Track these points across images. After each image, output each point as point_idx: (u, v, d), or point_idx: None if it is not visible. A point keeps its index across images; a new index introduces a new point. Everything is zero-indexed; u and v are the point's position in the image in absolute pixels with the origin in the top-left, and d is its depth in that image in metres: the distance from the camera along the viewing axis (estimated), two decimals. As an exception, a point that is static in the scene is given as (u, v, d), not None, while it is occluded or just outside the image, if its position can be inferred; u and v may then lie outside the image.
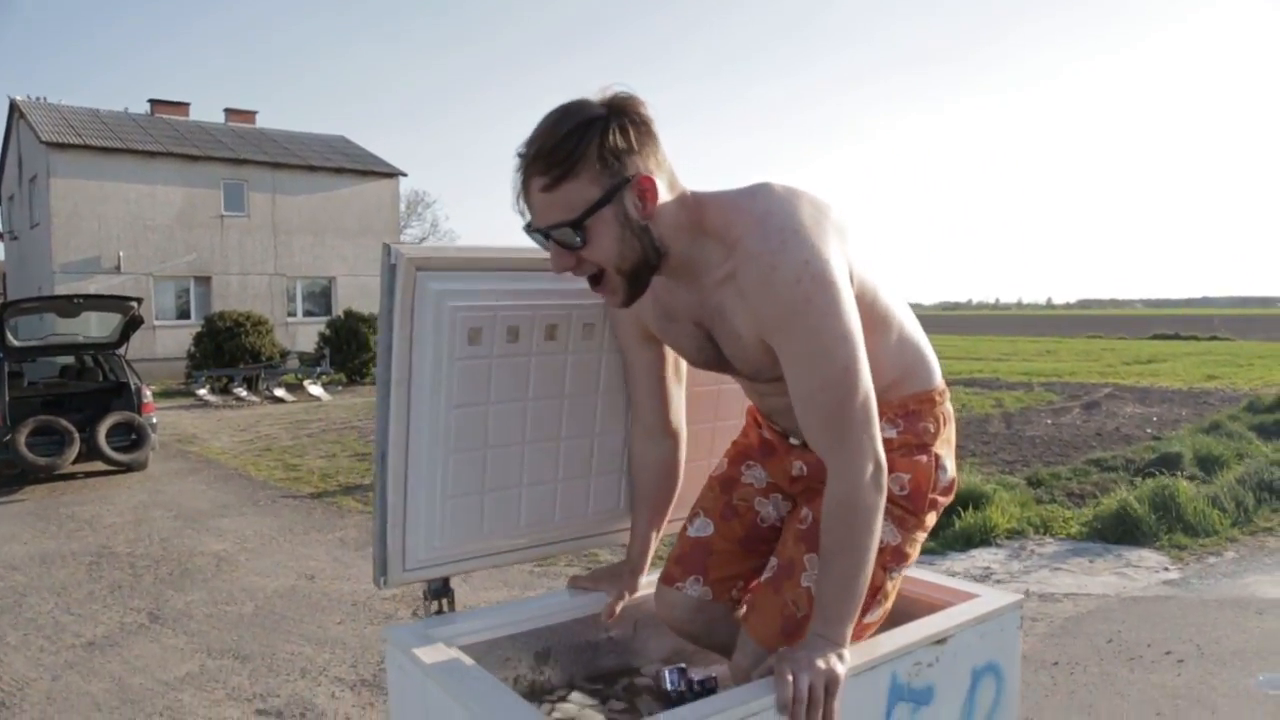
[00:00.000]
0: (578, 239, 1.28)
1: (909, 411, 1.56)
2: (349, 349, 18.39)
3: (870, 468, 1.37)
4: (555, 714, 1.71)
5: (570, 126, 1.25)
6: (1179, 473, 6.68)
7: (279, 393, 15.60)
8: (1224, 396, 12.58)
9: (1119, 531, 5.57)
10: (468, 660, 1.52)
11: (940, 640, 1.56)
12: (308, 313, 24.18)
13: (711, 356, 1.52)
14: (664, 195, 1.32)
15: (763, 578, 1.62)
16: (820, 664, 1.32)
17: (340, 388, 17.48)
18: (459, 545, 1.69)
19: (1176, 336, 31.09)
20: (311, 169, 24.08)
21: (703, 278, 1.40)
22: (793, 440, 1.66)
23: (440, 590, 1.75)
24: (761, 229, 1.32)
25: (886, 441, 1.44)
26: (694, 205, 1.37)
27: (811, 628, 1.41)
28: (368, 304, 21.09)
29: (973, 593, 1.75)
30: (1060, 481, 7.10)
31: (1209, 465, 7.23)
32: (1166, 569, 4.94)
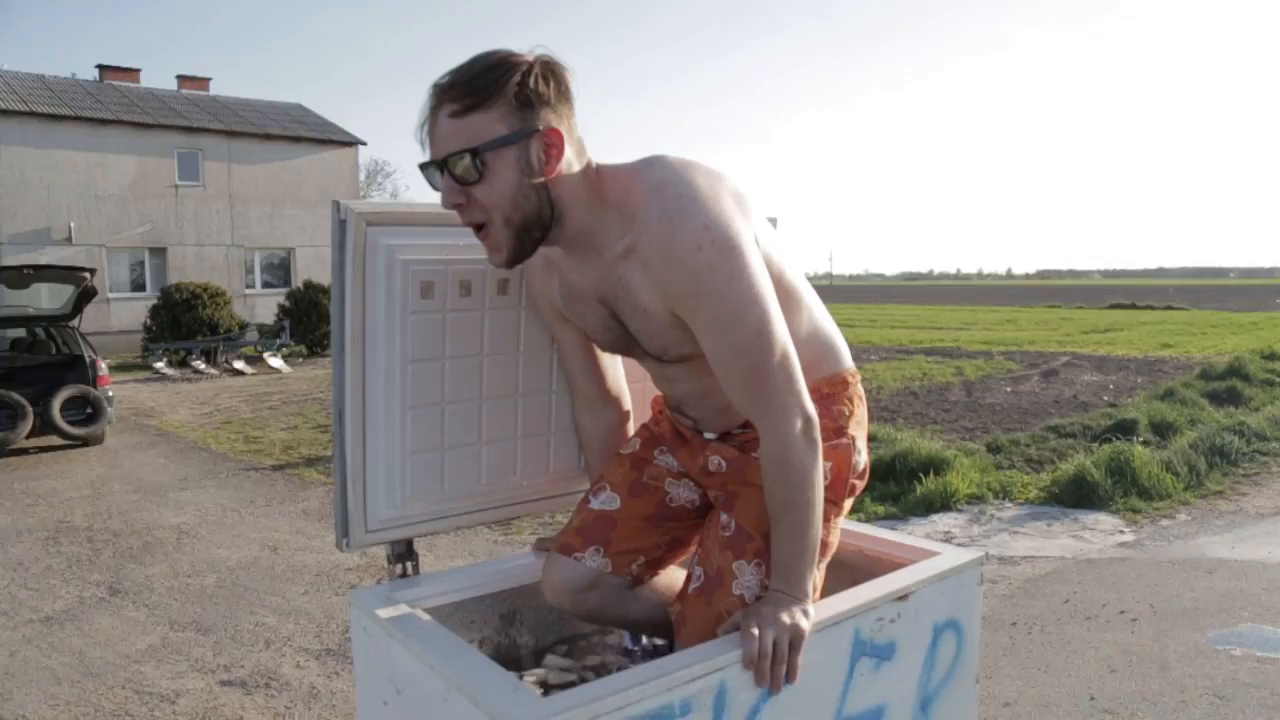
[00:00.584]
0: (474, 172, 1.24)
1: (823, 395, 1.54)
2: (309, 320, 18.14)
3: (799, 423, 1.37)
4: (528, 678, 1.70)
5: (492, 62, 1.24)
6: (1134, 438, 6.83)
7: (238, 365, 15.36)
8: (1178, 364, 12.85)
9: (1076, 496, 5.69)
10: (433, 622, 1.50)
11: (902, 596, 1.57)
12: (266, 284, 23.78)
13: (618, 337, 1.49)
14: (569, 161, 1.31)
15: (689, 588, 1.57)
16: (785, 619, 1.34)
17: (301, 360, 17.27)
18: (421, 505, 1.66)
19: (1133, 306, 31.71)
20: (268, 137, 23.56)
21: (604, 252, 1.38)
22: (707, 435, 1.62)
23: (404, 553, 1.73)
24: (659, 198, 1.31)
25: None
26: (594, 177, 1.35)
27: (772, 585, 1.42)
28: (328, 275, 20.69)
29: (934, 551, 1.76)
30: (1019, 448, 7.22)
31: (1163, 431, 7.40)
32: (1122, 532, 5.05)
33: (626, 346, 1.52)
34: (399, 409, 1.56)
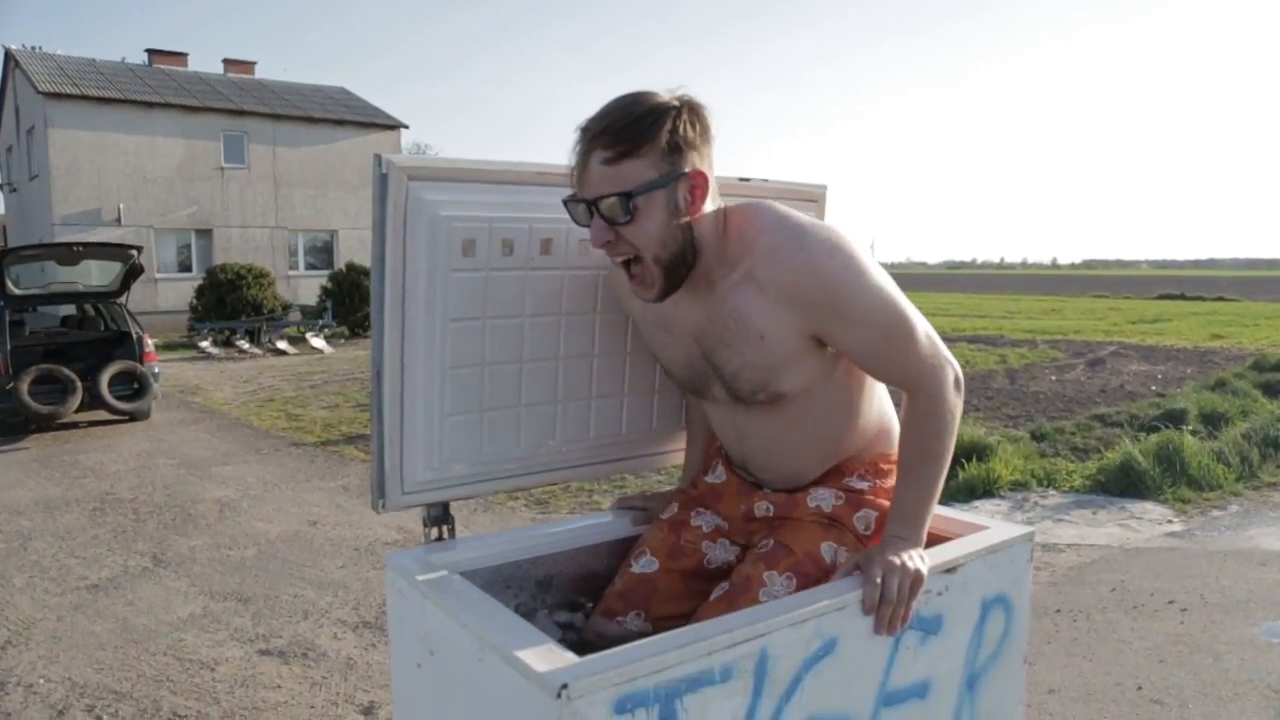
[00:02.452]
0: (625, 214, 1.31)
1: (879, 470, 1.62)
2: (351, 302, 18.32)
3: (950, 375, 1.45)
4: (557, 617, 1.67)
5: (644, 110, 1.31)
6: (1184, 428, 6.64)
7: (281, 345, 15.57)
8: (1229, 355, 12.50)
9: (1123, 484, 5.55)
10: (467, 584, 1.48)
11: (951, 569, 1.51)
12: (309, 266, 24.07)
13: (697, 375, 1.54)
14: (710, 199, 1.38)
15: (713, 596, 1.57)
16: (907, 562, 1.38)
17: (342, 341, 17.46)
18: (459, 467, 1.64)
19: (1182, 297, 30.88)
20: (312, 121, 23.81)
21: (717, 284, 1.43)
22: (761, 481, 1.65)
23: (440, 516, 1.71)
24: (781, 224, 1.40)
25: (858, 492, 1.58)
26: (722, 214, 1.42)
27: (889, 530, 1.45)
28: (369, 257, 20.97)
29: (983, 525, 1.71)
30: (1064, 436, 7.07)
31: (1214, 421, 7.19)
32: (1170, 521, 4.92)
33: (702, 387, 1.56)
34: (438, 369, 1.54)
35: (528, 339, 1.62)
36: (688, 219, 1.36)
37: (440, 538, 1.72)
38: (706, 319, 1.47)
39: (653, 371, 1.83)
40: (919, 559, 1.41)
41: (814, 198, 1.88)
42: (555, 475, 1.79)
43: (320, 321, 17.17)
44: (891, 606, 1.36)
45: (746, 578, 1.54)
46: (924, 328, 1.43)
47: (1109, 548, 4.50)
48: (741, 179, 1.72)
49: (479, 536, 1.75)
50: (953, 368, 1.46)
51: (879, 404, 1.63)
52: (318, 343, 15.68)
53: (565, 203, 1.39)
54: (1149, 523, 4.89)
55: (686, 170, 1.34)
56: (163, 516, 5.47)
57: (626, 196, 1.31)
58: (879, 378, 1.51)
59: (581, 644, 1.55)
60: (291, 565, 4.52)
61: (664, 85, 1.36)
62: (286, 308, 18.82)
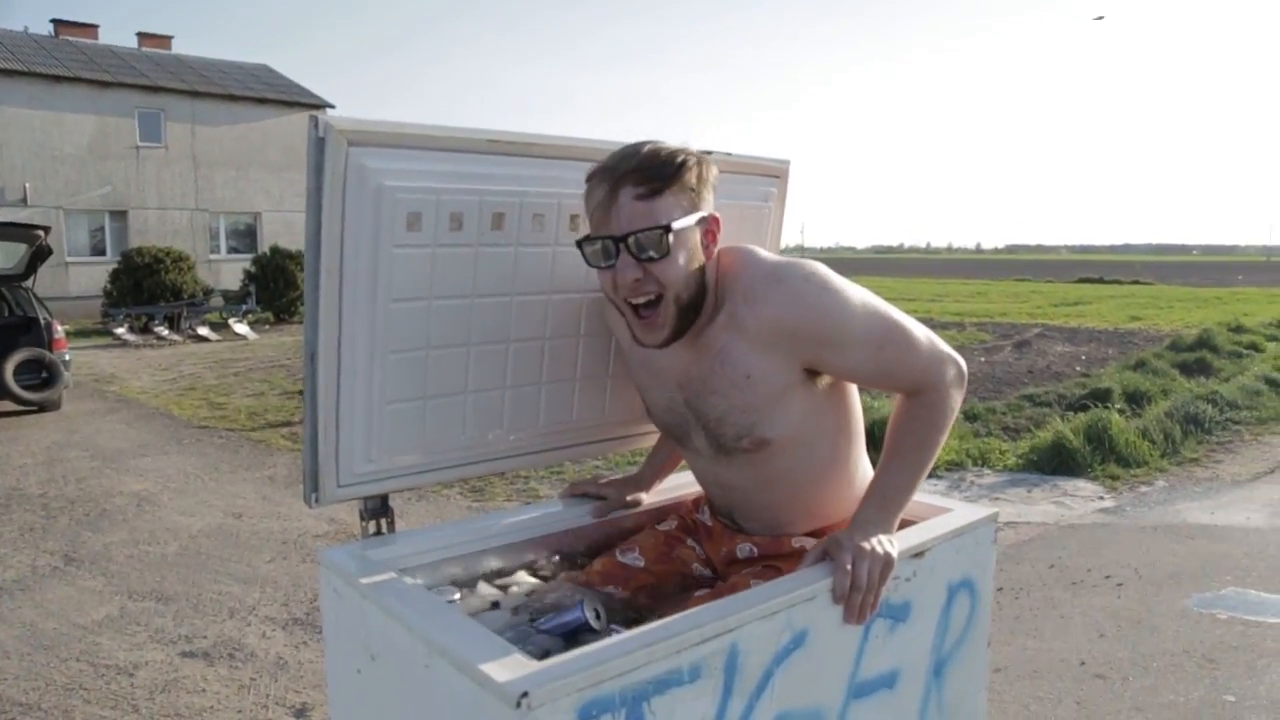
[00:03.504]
0: (664, 248, 1.30)
1: None
2: (275, 286, 17.78)
3: (952, 370, 1.45)
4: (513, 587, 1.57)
5: (669, 152, 1.33)
6: (1110, 407, 6.83)
7: (203, 331, 15.02)
8: (1148, 336, 12.96)
9: (1055, 463, 5.68)
10: (411, 582, 1.38)
11: (918, 554, 1.47)
12: (232, 249, 23.23)
13: (678, 421, 1.53)
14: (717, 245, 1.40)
15: (694, 595, 1.54)
16: (877, 547, 1.34)
17: (267, 326, 16.94)
18: (398, 458, 1.53)
19: (1100, 280, 31.96)
20: (233, 99, 22.93)
21: (705, 330, 1.42)
22: (744, 529, 1.62)
23: (378, 509, 1.60)
24: (757, 265, 1.41)
25: None
26: (716, 260, 1.42)
27: (862, 514, 1.41)
28: (294, 240, 20.33)
29: (946, 507, 1.67)
30: (996, 416, 7.21)
31: (1137, 400, 7.42)
32: (1102, 498, 5.04)
33: (682, 434, 1.54)
34: (379, 353, 1.42)
35: (476, 321, 1.51)
36: (704, 261, 1.37)
37: (379, 532, 1.61)
38: (693, 365, 1.45)
39: (607, 356, 1.74)
40: (889, 543, 1.38)
41: (777, 173, 1.81)
42: (503, 464, 1.69)
43: (244, 307, 16.62)
44: (862, 594, 1.31)
45: (733, 584, 1.50)
46: (919, 329, 1.43)
47: (1045, 525, 4.58)
48: (704, 153, 1.64)
49: (420, 529, 1.65)
50: (954, 362, 1.45)
51: (862, 468, 1.62)
52: (241, 329, 15.17)
53: (581, 245, 1.35)
54: (1082, 500, 5.00)
55: (706, 213, 1.36)
56: (75, 512, 5.18)
57: (665, 230, 1.29)
58: (886, 387, 1.49)
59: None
60: (216, 560, 4.32)
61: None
62: (208, 293, 18.17)
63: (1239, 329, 12.08)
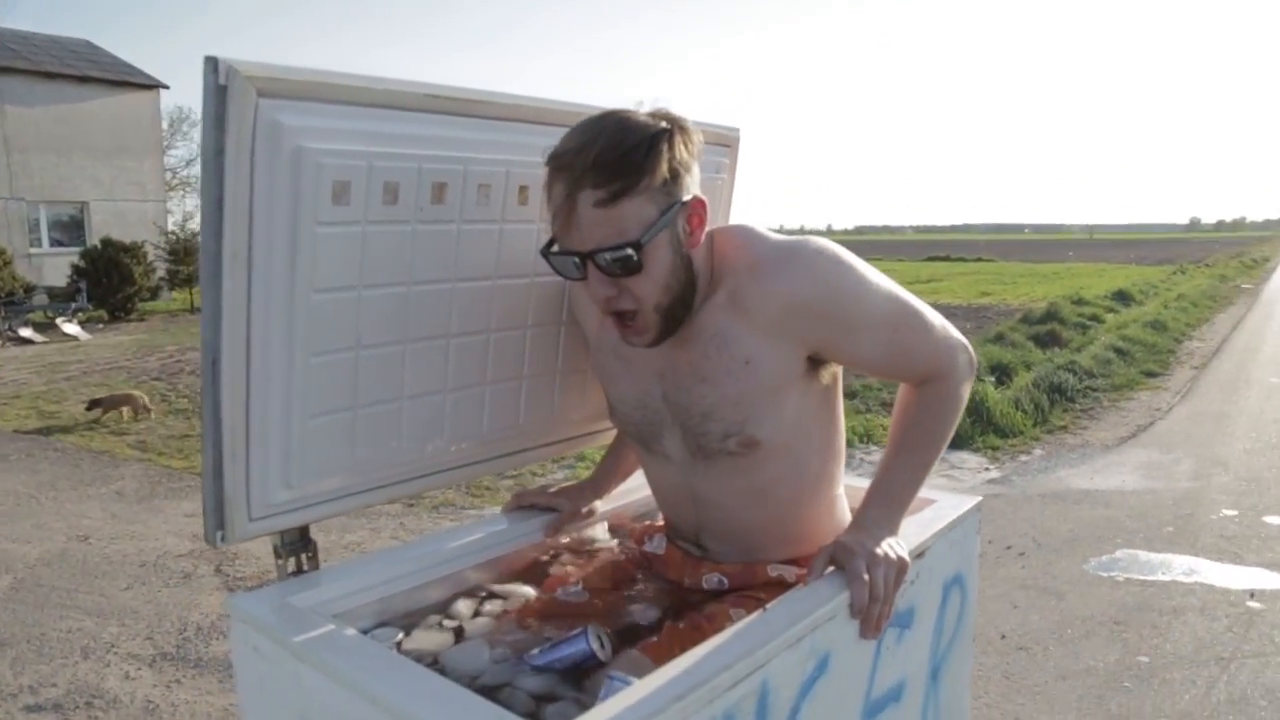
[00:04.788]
0: (634, 265, 1.13)
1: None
2: (109, 283, 16.37)
3: (964, 358, 1.35)
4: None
5: (636, 139, 1.12)
6: (981, 379, 7.09)
7: (25, 333, 13.59)
8: (1000, 311, 13.68)
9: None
10: (355, 633, 1.14)
11: (920, 554, 1.34)
12: (55, 243, 21.16)
13: (649, 418, 1.36)
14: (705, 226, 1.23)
15: (673, 625, 1.34)
16: (890, 553, 1.21)
17: (101, 326, 15.56)
18: (324, 481, 1.28)
19: (948, 259, 33.77)
20: (49, 76, 20.82)
21: (697, 312, 1.26)
22: (712, 556, 1.44)
23: (298, 543, 1.34)
24: (766, 241, 1.27)
25: None
26: (710, 239, 1.26)
27: (867, 515, 1.27)
28: (127, 232, 18.76)
29: (930, 499, 1.55)
30: (873, 392, 7.35)
31: (1001, 372, 7.76)
32: (988, 469, 5.18)
33: (652, 435, 1.37)
34: (300, 356, 1.16)
35: (413, 313, 1.27)
36: (688, 252, 1.20)
37: (299, 570, 1.36)
38: (679, 351, 1.28)
39: (556, 349, 1.54)
40: (899, 546, 1.24)
41: (728, 141, 1.65)
42: (443, 478, 1.46)
43: (74, 305, 15.23)
44: (880, 604, 1.18)
45: (712, 614, 1.31)
46: (933, 314, 1.32)
47: (940, 499, 4.66)
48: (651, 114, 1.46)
49: (348, 563, 1.40)
50: (966, 350, 1.36)
51: (842, 492, 1.49)
52: (71, 329, 13.85)
53: (545, 255, 1.19)
54: (970, 471, 5.12)
55: (686, 199, 1.17)
56: (-121, 548, 4.49)
57: (636, 246, 1.12)
58: (896, 376, 1.37)
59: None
60: (60, 593, 3.82)
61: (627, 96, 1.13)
62: (30, 290, 16.51)
63: (1080, 301, 12.92)
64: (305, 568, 1.36)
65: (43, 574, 4.04)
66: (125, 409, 7.46)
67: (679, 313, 1.22)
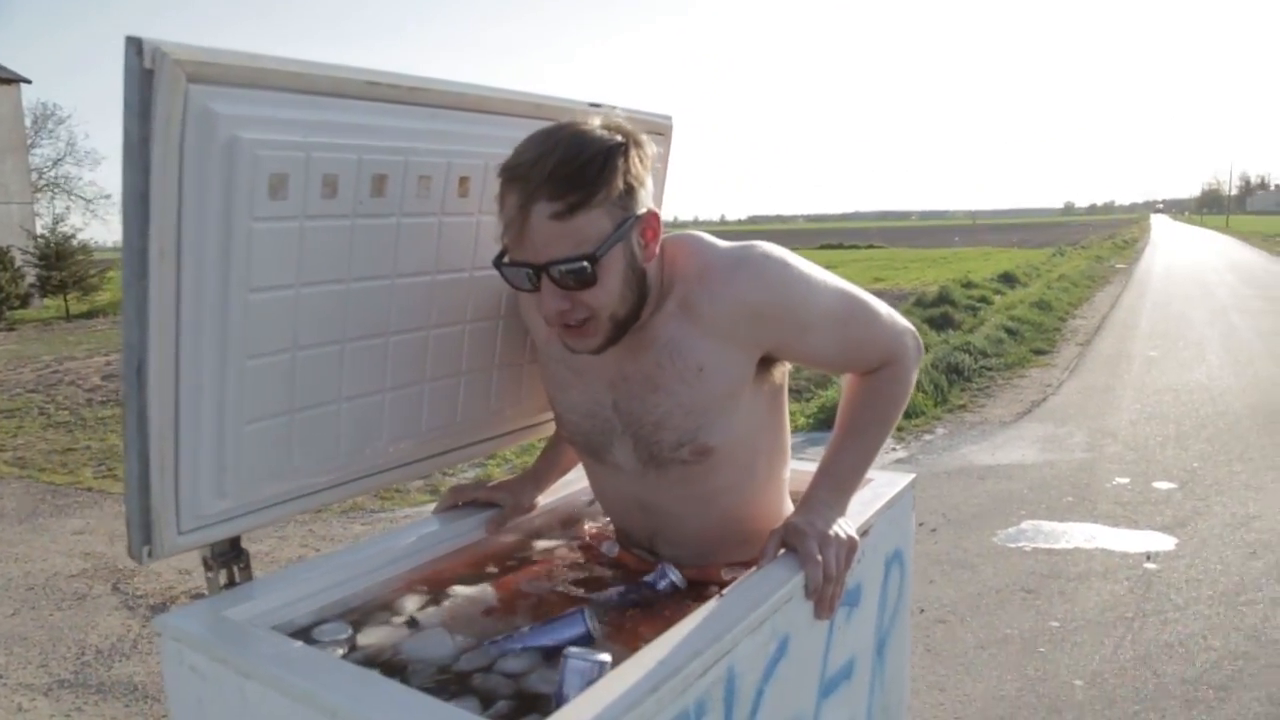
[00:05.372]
0: (590, 279, 1.12)
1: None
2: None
3: (911, 343, 1.38)
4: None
5: (591, 151, 1.11)
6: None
7: (-121, 347, 12.59)
8: (894, 295, 14.12)
9: (844, 418, 5.97)
10: (300, 644, 1.09)
11: (864, 532, 1.37)
12: (-89, 248, 19.69)
13: (599, 428, 1.36)
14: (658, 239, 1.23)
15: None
16: (840, 533, 1.23)
17: (-30, 336, 14.53)
18: (260, 488, 1.22)
19: (841, 246, 34.71)
20: (-106, 69, 19.35)
21: (647, 323, 1.26)
22: (668, 560, 1.43)
23: (230, 554, 1.27)
24: (713, 249, 1.28)
25: None
26: (660, 251, 1.25)
27: (815, 496, 1.28)
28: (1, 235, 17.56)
29: (866, 477, 1.58)
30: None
31: (902, 354, 8.02)
32: (894, 449, 5.35)
33: (601, 445, 1.36)
34: (234, 359, 1.10)
35: (352, 312, 1.22)
36: (642, 266, 1.19)
37: (231, 582, 1.29)
38: (629, 360, 1.29)
39: (493, 344, 1.50)
40: (848, 525, 1.27)
41: (661, 130, 1.64)
42: (381, 479, 1.41)
43: (-68, 315, 14.13)
44: (833, 584, 1.20)
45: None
46: (878, 303, 1.35)
47: (853, 480, 4.79)
48: (592, 104, 1.44)
49: (279, 574, 1.34)
50: (913, 335, 1.39)
51: (788, 499, 1.50)
52: (-68, 341, 12.87)
53: (499, 266, 1.17)
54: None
55: (641, 213, 1.16)
56: None
57: (591, 259, 1.11)
58: (848, 368, 1.39)
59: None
60: (-61, 622, 3.56)
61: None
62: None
63: (969, 284, 13.47)
64: (238, 579, 1.29)
65: (-83, 603, 3.75)
66: None
67: (628, 323, 1.22)
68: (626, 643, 1.16)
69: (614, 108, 1.50)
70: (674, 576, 1.32)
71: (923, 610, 3.17)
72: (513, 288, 1.19)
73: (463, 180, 1.29)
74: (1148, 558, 3.61)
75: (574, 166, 1.09)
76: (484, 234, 1.38)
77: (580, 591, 1.39)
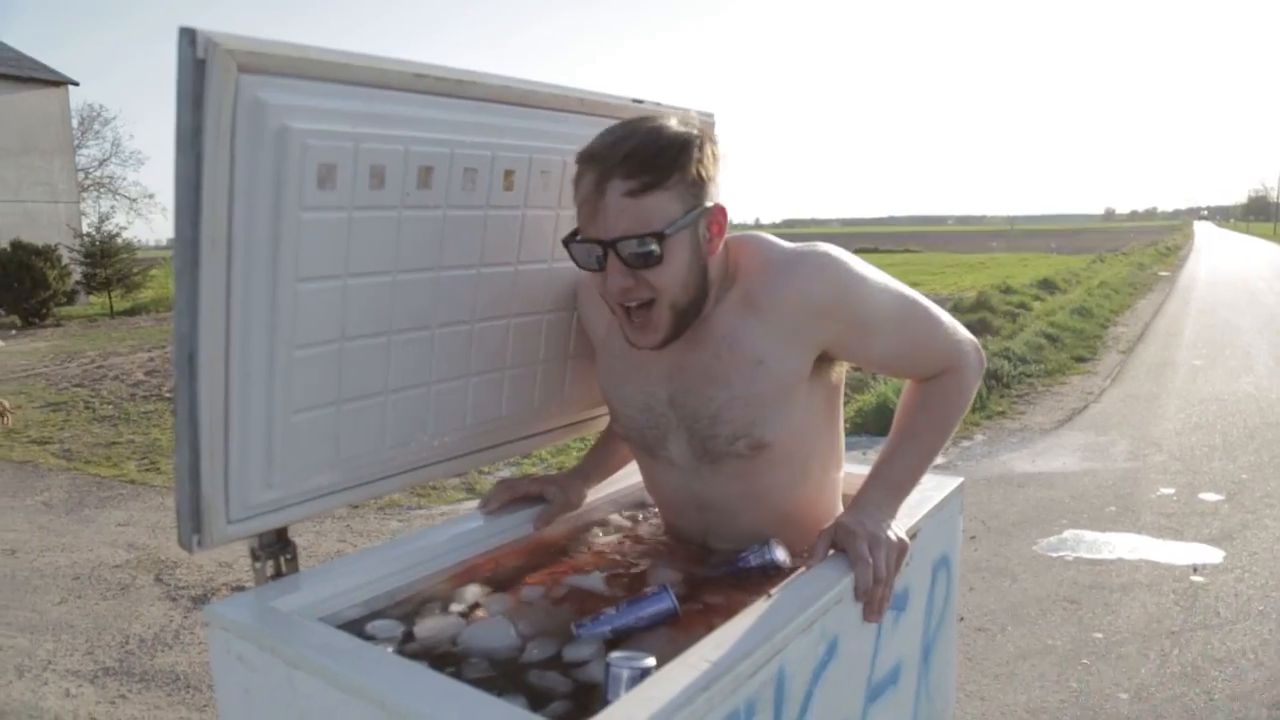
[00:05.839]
0: (656, 257, 1.16)
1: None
2: (21, 286, 15.70)
3: (973, 354, 1.38)
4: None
5: (668, 139, 1.17)
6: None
7: (-69, 342, 12.95)
8: (931, 300, 13.98)
9: (881, 423, 5.90)
10: (348, 635, 1.09)
11: (912, 535, 1.34)
12: (-40, 246, 20.22)
13: (654, 422, 1.37)
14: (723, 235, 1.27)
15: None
16: (891, 536, 1.21)
17: (14, 332, 14.88)
18: (307, 479, 1.22)
19: (876, 250, 34.44)
20: (-51, 72, 19.87)
21: (709, 316, 1.29)
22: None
23: (276, 545, 1.28)
24: (776, 247, 1.31)
25: None
26: (725, 249, 1.29)
27: (867, 497, 1.27)
28: (38, 234, 17.97)
29: (913, 481, 1.56)
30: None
31: (940, 360, 7.92)
32: (933, 454, 5.28)
33: (656, 440, 1.38)
34: (282, 349, 1.10)
35: (399, 304, 1.22)
36: (705, 260, 1.22)
37: (278, 573, 1.29)
38: (689, 354, 1.30)
39: (538, 341, 1.50)
40: (897, 527, 1.25)
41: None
42: (425, 473, 1.41)
43: (-17, 311, 14.52)
44: (883, 586, 1.18)
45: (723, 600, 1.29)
46: (942, 312, 1.36)
47: (890, 485, 4.73)
48: (635, 100, 1.44)
49: (327, 566, 1.34)
50: (975, 347, 1.39)
51: (839, 502, 1.50)
52: (-18, 336, 13.22)
53: (568, 244, 1.22)
54: (916, 458, 5.22)
55: (709, 205, 1.20)
56: None
57: (659, 237, 1.14)
58: (907, 372, 1.40)
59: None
60: (-10, 610, 3.63)
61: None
62: (-67, 296, 15.73)
63: (1008, 290, 13.28)
64: (284, 571, 1.30)
65: (-32, 591, 3.84)
66: None
67: (689, 316, 1.24)
68: (702, 622, 1.16)
69: (657, 103, 1.50)
70: (777, 555, 1.30)
71: (962, 619, 3.12)
72: (579, 267, 1.23)
73: (508, 174, 1.29)
74: (1194, 570, 3.52)
75: (651, 151, 1.14)
76: (529, 229, 1.37)
77: (648, 573, 1.38)
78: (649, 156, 1.14)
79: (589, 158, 1.16)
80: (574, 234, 1.21)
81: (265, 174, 1.01)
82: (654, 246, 1.14)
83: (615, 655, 1.00)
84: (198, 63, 0.93)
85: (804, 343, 1.27)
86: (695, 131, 1.19)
